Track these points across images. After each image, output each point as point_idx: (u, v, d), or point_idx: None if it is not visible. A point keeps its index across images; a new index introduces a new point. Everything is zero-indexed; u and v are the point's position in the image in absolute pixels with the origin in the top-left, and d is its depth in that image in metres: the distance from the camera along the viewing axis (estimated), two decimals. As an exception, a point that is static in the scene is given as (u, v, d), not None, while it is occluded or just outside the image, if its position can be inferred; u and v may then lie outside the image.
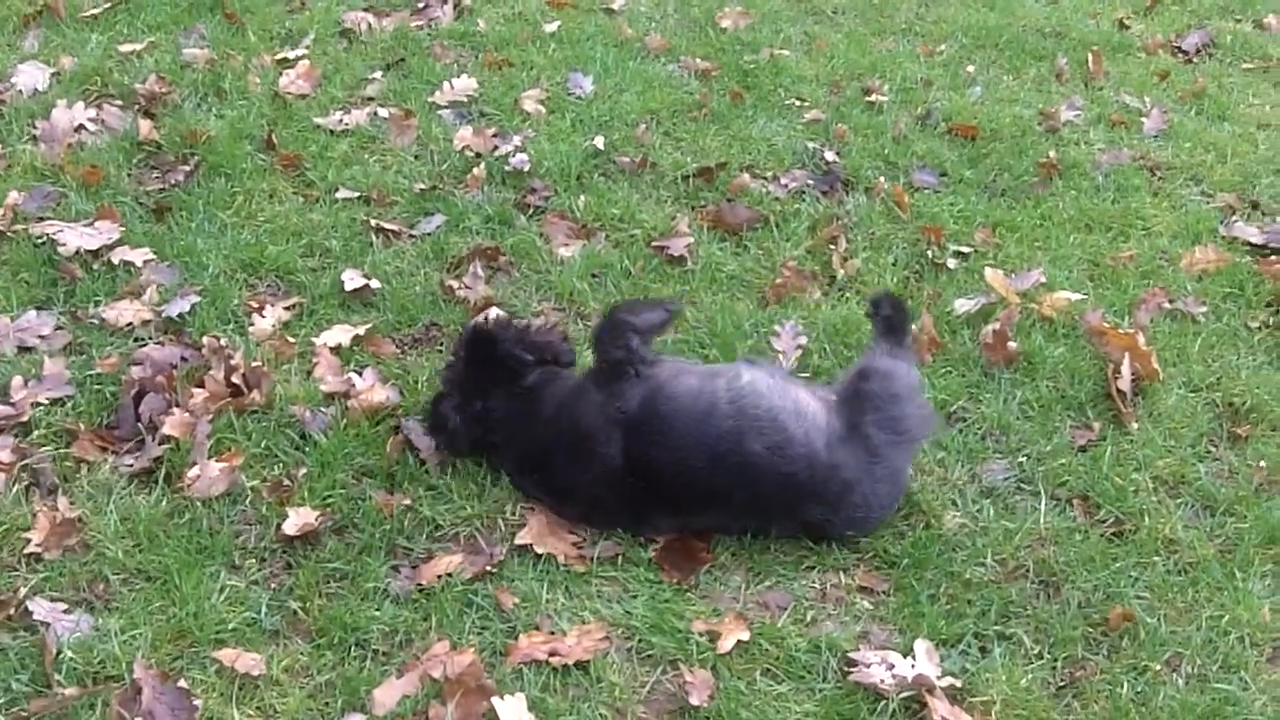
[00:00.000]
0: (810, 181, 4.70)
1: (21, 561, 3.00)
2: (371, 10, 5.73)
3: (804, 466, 3.06)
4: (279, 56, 5.29)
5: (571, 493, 3.20)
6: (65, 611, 2.85)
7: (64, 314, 3.76)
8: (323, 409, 3.47)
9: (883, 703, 2.77)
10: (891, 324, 3.39)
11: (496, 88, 5.19)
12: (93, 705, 2.66)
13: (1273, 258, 4.41)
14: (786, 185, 4.66)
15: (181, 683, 2.69)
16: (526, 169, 4.61)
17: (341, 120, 4.86)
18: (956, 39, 6.07)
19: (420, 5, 5.85)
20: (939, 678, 2.82)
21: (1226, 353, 3.93)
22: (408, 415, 3.45)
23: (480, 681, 2.72)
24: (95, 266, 3.93)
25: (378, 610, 2.93)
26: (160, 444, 3.28)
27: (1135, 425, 3.60)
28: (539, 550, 3.09)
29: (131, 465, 3.26)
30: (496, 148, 4.75)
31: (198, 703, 2.66)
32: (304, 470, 3.27)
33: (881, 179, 4.71)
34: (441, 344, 3.77)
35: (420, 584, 3.00)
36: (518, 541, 3.11)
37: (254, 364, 3.54)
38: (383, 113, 4.93)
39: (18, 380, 3.44)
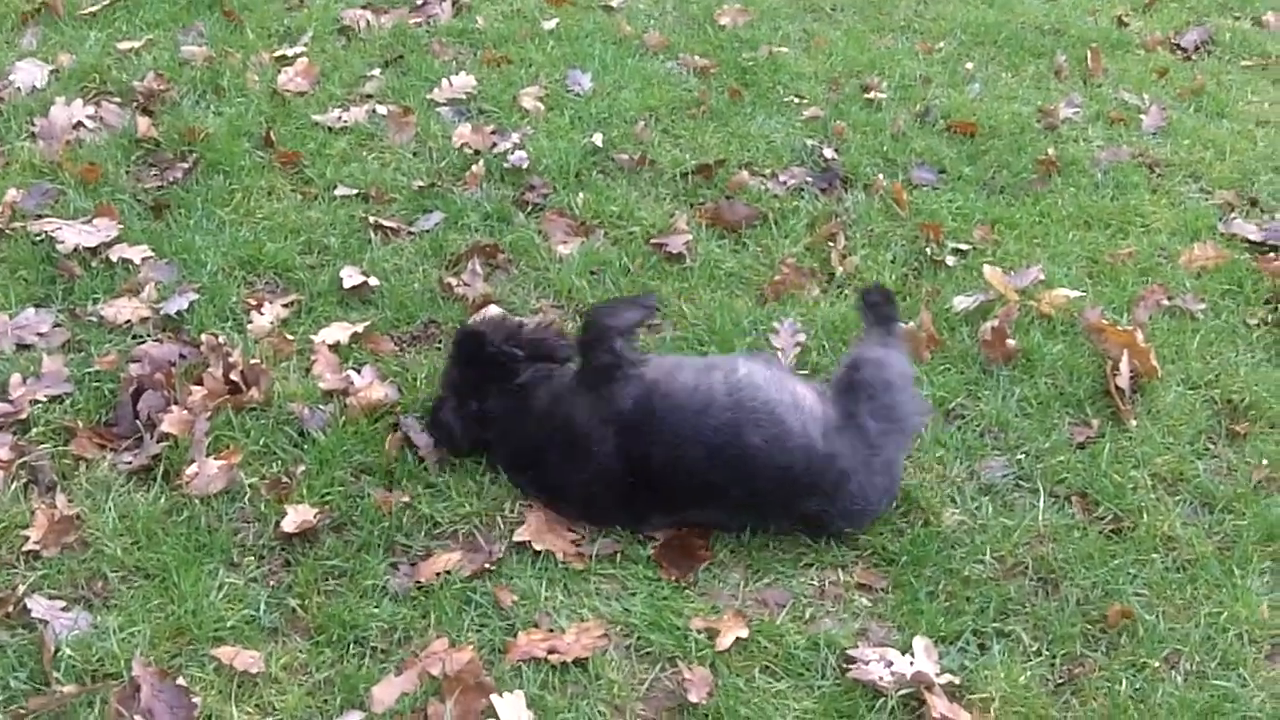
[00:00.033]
0: (809, 179, 4.70)
1: (20, 559, 3.00)
2: (370, 7, 5.73)
3: (801, 458, 3.07)
4: (277, 54, 5.28)
5: (566, 491, 3.20)
6: (64, 609, 2.85)
7: (62, 311, 3.76)
8: (321, 406, 3.47)
9: (881, 700, 2.77)
10: (881, 314, 3.43)
11: (495, 85, 5.19)
12: (91, 703, 2.66)
13: (1271, 255, 4.42)
14: (785, 182, 4.66)
15: (180, 680, 2.69)
16: (525, 166, 4.61)
17: (340, 117, 4.85)
18: (955, 36, 6.07)
19: (419, 2, 5.84)
20: (938, 675, 2.82)
21: (1225, 350, 3.93)
22: (406, 412, 3.45)
23: (479, 679, 2.72)
24: (94, 264, 3.93)
25: (376, 608, 2.93)
26: (159, 441, 3.28)
27: (1134, 422, 3.60)
28: (537, 548, 3.09)
29: (130, 463, 3.26)
30: (495, 145, 4.74)
31: (196, 700, 2.65)
32: (302, 468, 3.27)
33: (880, 176, 4.71)
34: (440, 341, 3.77)
35: (419, 581, 3.00)
36: (516, 539, 3.11)
37: (252, 361, 3.54)
38: (381, 110, 4.92)
39: (16, 378, 3.44)
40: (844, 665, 2.86)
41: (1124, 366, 3.70)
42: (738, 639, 2.89)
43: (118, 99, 4.85)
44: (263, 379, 3.48)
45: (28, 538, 3.02)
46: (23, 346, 3.62)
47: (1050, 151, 4.97)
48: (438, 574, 3.01)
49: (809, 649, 2.90)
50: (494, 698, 2.67)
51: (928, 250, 4.30)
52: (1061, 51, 5.94)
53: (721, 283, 4.10)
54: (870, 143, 4.99)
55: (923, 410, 3.34)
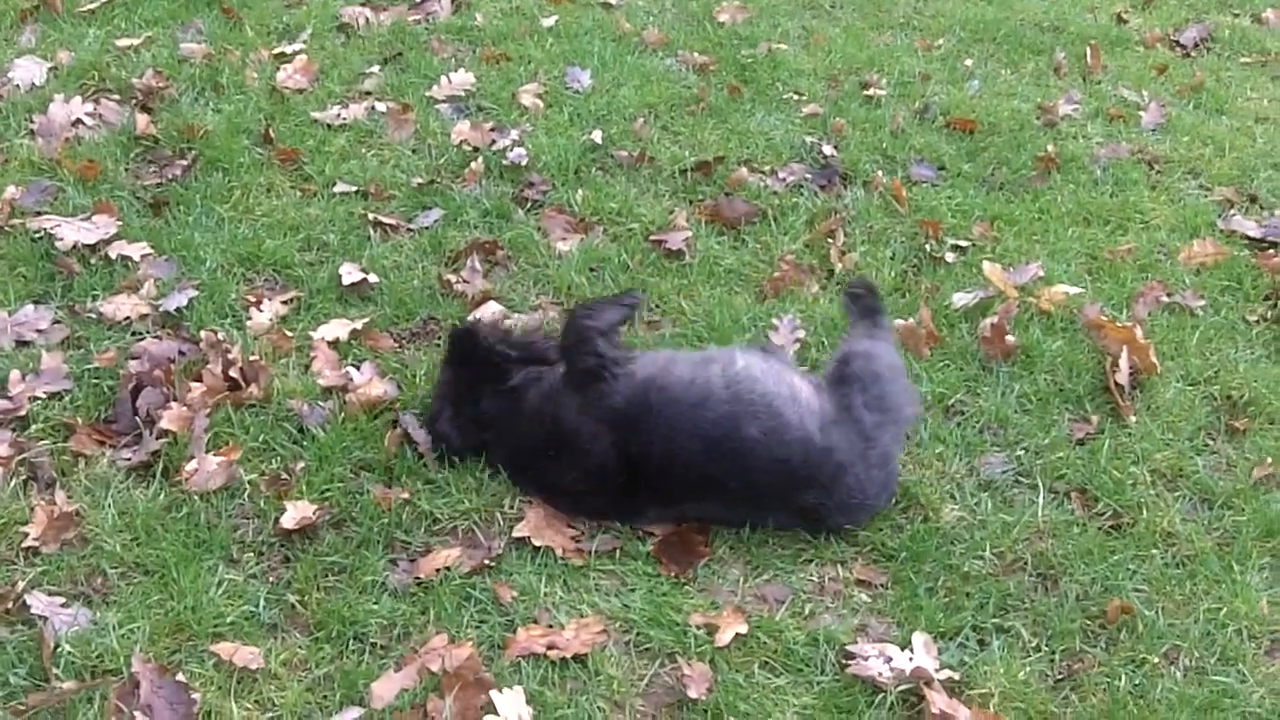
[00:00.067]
0: (808, 175, 4.70)
1: (19, 555, 3.00)
2: (369, 5, 5.73)
3: (799, 451, 3.07)
4: (276, 51, 5.28)
5: (564, 489, 3.20)
6: (63, 605, 2.85)
7: (61, 308, 3.76)
8: (321, 403, 3.47)
9: (881, 695, 2.78)
10: (866, 306, 3.48)
11: (494, 82, 5.19)
12: (91, 699, 2.66)
13: (1270, 251, 4.42)
14: (784, 179, 4.66)
15: (180, 676, 2.69)
16: (524, 163, 4.61)
17: (339, 114, 4.85)
18: (954, 33, 6.07)
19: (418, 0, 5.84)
20: (937, 670, 2.82)
21: (1224, 346, 3.93)
22: (406, 409, 3.44)
23: (478, 675, 2.72)
24: (93, 261, 3.93)
25: (376, 604, 2.93)
26: (158, 438, 3.27)
27: (1133, 418, 3.60)
28: (537, 543, 3.09)
29: (129, 459, 3.25)
30: (494, 142, 4.74)
31: (196, 696, 2.65)
32: (302, 464, 3.27)
33: (879, 173, 4.71)
34: (439, 338, 3.77)
35: (418, 577, 3.00)
36: (515, 535, 3.11)
37: (252, 358, 3.54)
38: (380, 107, 4.92)
39: (15, 374, 3.44)
40: (843, 661, 2.86)
41: (1123, 363, 3.70)
42: (737, 635, 2.89)
43: (117, 96, 4.85)
44: (262, 376, 3.48)
45: (27, 534, 3.02)
46: (22, 343, 3.62)
47: (1049, 148, 4.96)
48: (437, 570, 3.01)
49: (808, 645, 2.90)
50: (493, 694, 2.67)
51: (927, 247, 4.30)
52: (1061, 48, 5.94)
53: (721, 279, 4.10)
54: (869, 140, 4.99)
55: (914, 400, 3.36)
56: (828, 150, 4.85)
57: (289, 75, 5.07)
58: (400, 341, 3.77)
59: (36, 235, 4.00)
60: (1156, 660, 2.91)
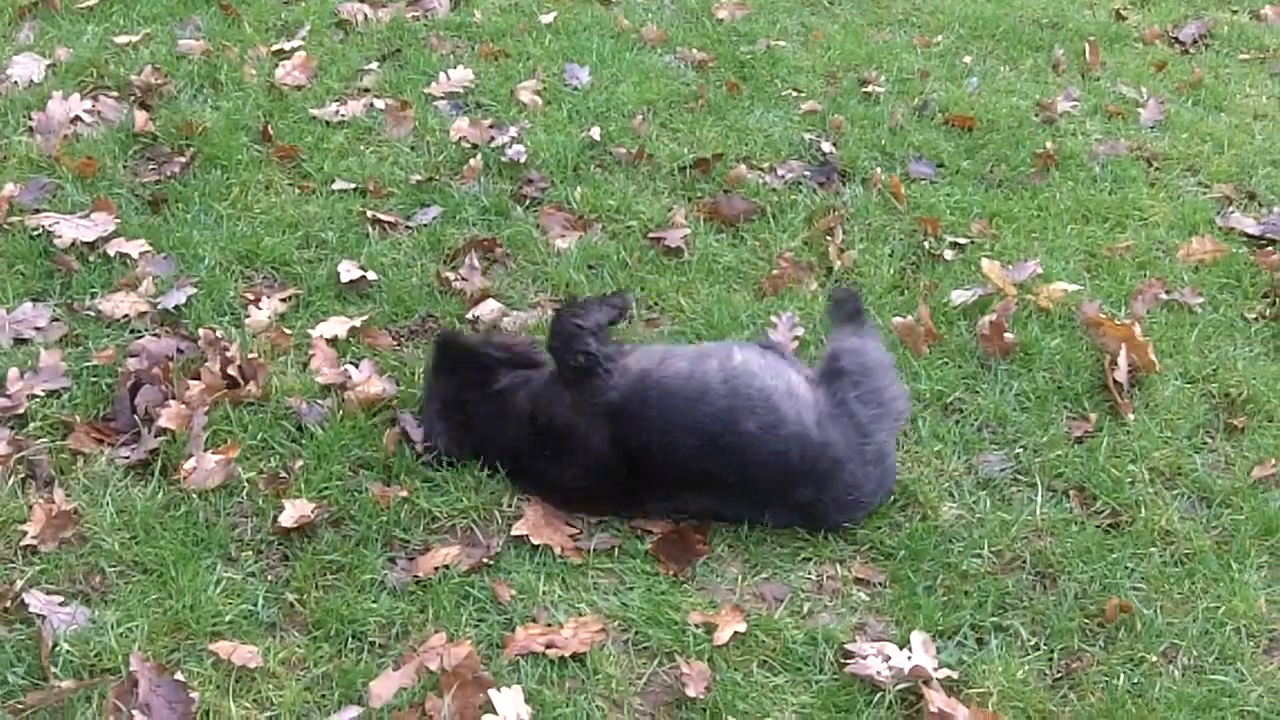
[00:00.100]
0: (807, 173, 4.69)
1: (18, 554, 2.99)
2: (367, 1, 5.72)
3: (796, 445, 3.08)
4: (275, 48, 5.28)
5: (561, 487, 3.21)
6: (61, 604, 2.85)
7: (60, 306, 3.75)
8: (319, 401, 3.47)
9: (879, 694, 2.78)
10: (849, 312, 3.51)
11: (493, 79, 5.18)
12: (89, 698, 2.66)
13: (1269, 248, 4.42)
14: (783, 176, 4.66)
15: (178, 675, 2.69)
16: (523, 160, 4.61)
17: (338, 111, 4.85)
18: (953, 30, 6.06)
19: (416, -4, 5.85)
20: (935, 669, 2.82)
21: (1223, 344, 3.93)
22: (404, 407, 3.44)
23: (477, 673, 2.72)
24: (91, 258, 3.92)
25: (374, 602, 2.93)
26: (156, 436, 3.27)
27: (1132, 416, 3.60)
28: (535, 542, 3.09)
29: (128, 457, 3.25)
30: (493, 139, 4.74)
31: (194, 695, 2.65)
32: (300, 462, 3.27)
33: (878, 170, 4.71)
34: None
35: (417, 576, 3.00)
36: (514, 533, 3.11)
37: (250, 356, 3.54)
38: (379, 104, 4.92)
39: (14, 372, 3.44)
40: (842, 660, 2.86)
41: (1122, 361, 3.70)
42: (735, 633, 2.89)
43: (115, 93, 4.84)
44: (260, 373, 3.48)
45: (25, 532, 3.01)
46: (20, 341, 3.61)
47: (1048, 145, 4.96)
48: (436, 569, 3.01)
49: (807, 643, 2.90)
50: (492, 692, 2.67)
51: (926, 244, 4.30)
52: (1059, 45, 5.94)
53: (719, 277, 4.10)
54: (868, 136, 4.99)
55: (905, 395, 3.36)
56: (826, 147, 4.85)
57: (287, 72, 5.06)
58: (399, 339, 3.77)
59: (35, 232, 3.99)
60: (1155, 659, 2.91)
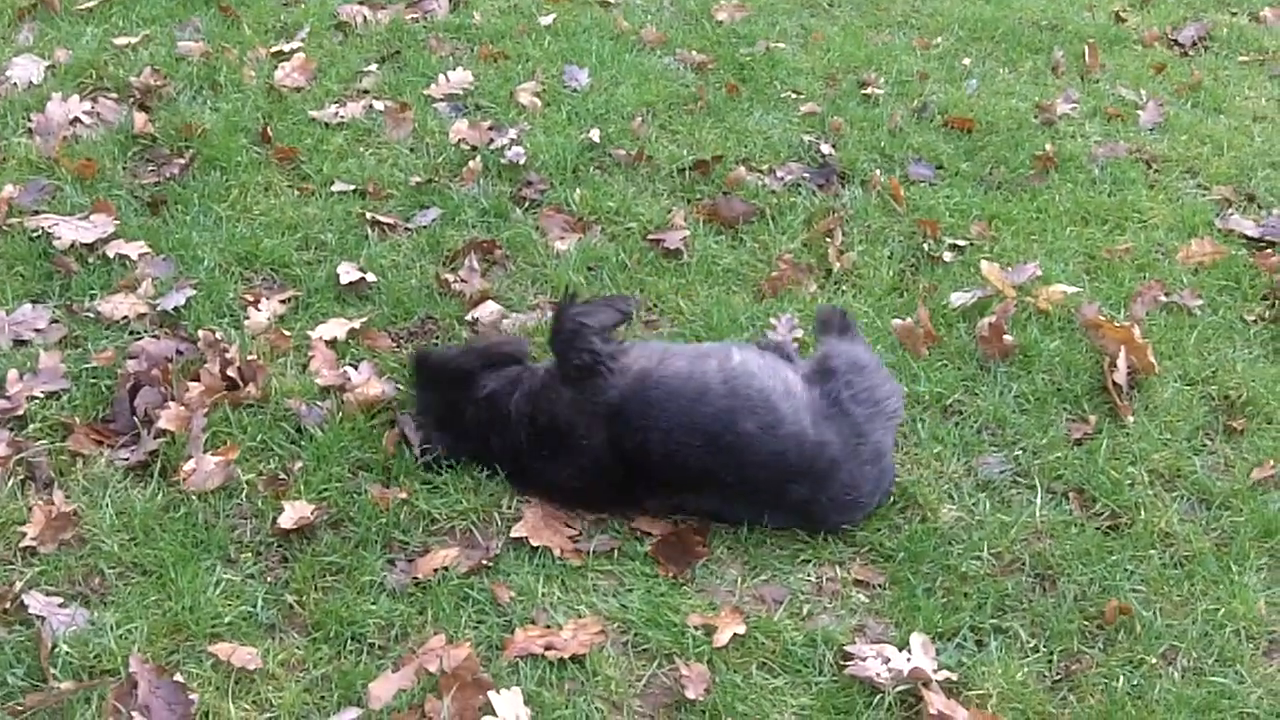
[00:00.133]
0: (806, 174, 4.69)
1: (17, 555, 2.99)
2: (367, 3, 5.72)
3: (793, 445, 3.08)
4: (274, 49, 5.28)
5: (560, 486, 3.21)
6: (61, 605, 2.85)
7: (59, 307, 3.75)
8: (318, 402, 3.46)
9: (879, 696, 2.78)
10: (838, 326, 3.51)
11: (492, 80, 5.18)
12: (89, 699, 2.66)
13: (1268, 251, 4.42)
14: (782, 178, 4.66)
15: (177, 677, 2.69)
16: (522, 162, 4.61)
17: (337, 113, 4.85)
18: (953, 32, 6.07)
19: (416, -2, 5.85)
20: (935, 671, 2.82)
21: (1222, 346, 3.93)
22: (404, 409, 3.44)
23: (476, 675, 2.72)
24: (90, 260, 3.92)
25: (374, 604, 2.93)
26: (156, 438, 3.27)
27: (1131, 418, 3.60)
28: (535, 544, 3.09)
29: (127, 459, 3.25)
30: (492, 140, 4.74)
31: (193, 697, 2.65)
32: (300, 464, 3.27)
33: (877, 172, 4.71)
34: (437, 337, 3.77)
35: (416, 578, 3.00)
36: (513, 535, 3.11)
37: (249, 357, 3.54)
38: (378, 106, 4.92)
39: (13, 374, 3.43)
40: (841, 662, 2.86)
41: (1121, 363, 3.70)
42: (735, 635, 2.89)
43: (114, 95, 4.84)
44: (260, 375, 3.48)
45: (25, 534, 3.01)
46: (19, 342, 3.61)
47: (1048, 147, 4.96)
48: (435, 570, 3.01)
49: (806, 645, 2.90)
50: (491, 694, 2.67)
51: (925, 246, 4.30)
52: (1059, 47, 5.94)
53: (719, 279, 4.10)
54: (867, 138, 4.99)
55: (898, 393, 3.35)
56: (826, 149, 4.85)
57: (287, 74, 5.06)
58: (398, 341, 3.76)
59: (34, 234, 3.99)
60: (1154, 661, 2.91)
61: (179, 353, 3.57)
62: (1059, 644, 2.95)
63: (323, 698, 2.73)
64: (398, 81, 5.14)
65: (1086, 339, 3.87)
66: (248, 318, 3.75)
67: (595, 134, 4.79)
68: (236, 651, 2.77)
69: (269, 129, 4.65)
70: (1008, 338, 3.79)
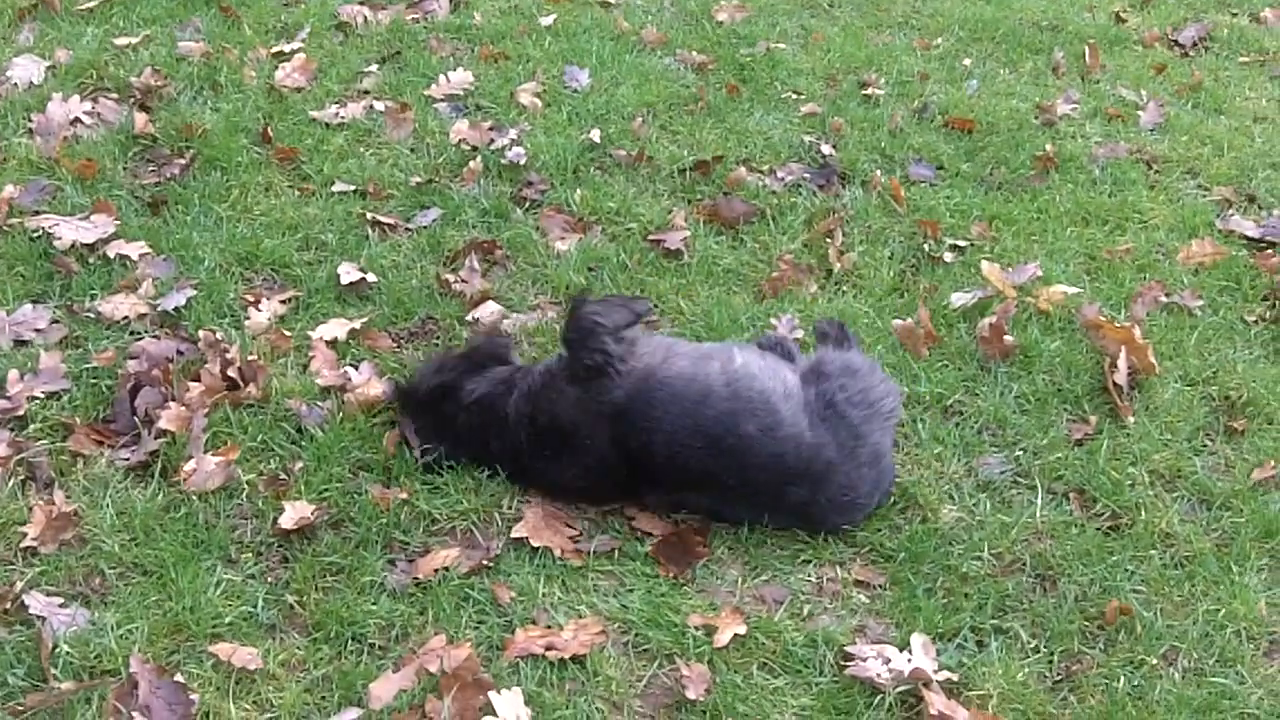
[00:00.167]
0: (806, 175, 4.69)
1: (18, 555, 2.99)
2: (367, 3, 5.72)
3: (791, 447, 3.08)
4: (274, 50, 5.28)
5: (562, 486, 3.22)
6: (61, 605, 2.85)
7: (60, 308, 3.75)
8: (319, 403, 3.47)
9: (879, 696, 2.78)
10: (835, 338, 3.51)
11: (492, 81, 5.18)
12: (89, 699, 2.66)
13: (1269, 251, 4.42)
14: (783, 179, 4.66)
15: (178, 677, 2.69)
16: (523, 162, 4.61)
17: (337, 113, 4.85)
18: (953, 32, 6.07)
19: (416, -2, 5.85)
20: (935, 671, 2.82)
21: (1223, 346, 3.93)
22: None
23: (477, 675, 2.72)
24: (91, 260, 3.92)
25: (374, 604, 2.93)
26: (156, 438, 3.27)
27: (1131, 419, 3.60)
28: (535, 544, 3.09)
29: (127, 459, 3.25)
30: (493, 141, 4.74)
31: (194, 697, 2.65)
32: (300, 464, 3.27)
33: (878, 172, 4.71)
34: (438, 338, 3.77)
35: (417, 578, 3.00)
36: (514, 535, 3.11)
37: (250, 358, 3.54)
38: (379, 106, 4.92)
39: (13, 374, 3.44)
40: (842, 662, 2.86)
41: (1122, 363, 3.70)
42: (735, 636, 2.89)
43: (115, 95, 4.84)
44: (260, 375, 3.48)
45: (25, 534, 3.01)
46: (20, 343, 3.61)
47: (1048, 148, 4.96)
48: (436, 570, 3.01)
49: (807, 646, 2.90)
50: (492, 694, 2.67)
51: (925, 247, 4.30)
52: (1059, 48, 5.94)
53: (719, 279, 4.10)
54: (868, 139, 4.99)
55: (892, 392, 3.33)
56: (826, 150, 4.85)
57: (287, 74, 5.07)
58: (399, 341, 3.77)
59: (35, 234, 3.99)
60: (1155, 661, 2.91)
61: (179, 353, 3.57)
62: (1060, 644, 2.95)
63: (323, 698, 2.73)
64: (398, 82, 5.14)
65: (1087, 339, 3.87)
66: (248, 318, 3.75)
67: (596, 134, 4.80)
68: (237, 652, 2.77)
69: (269, 129, 4.65)
70: (1008, 338, 3.79)
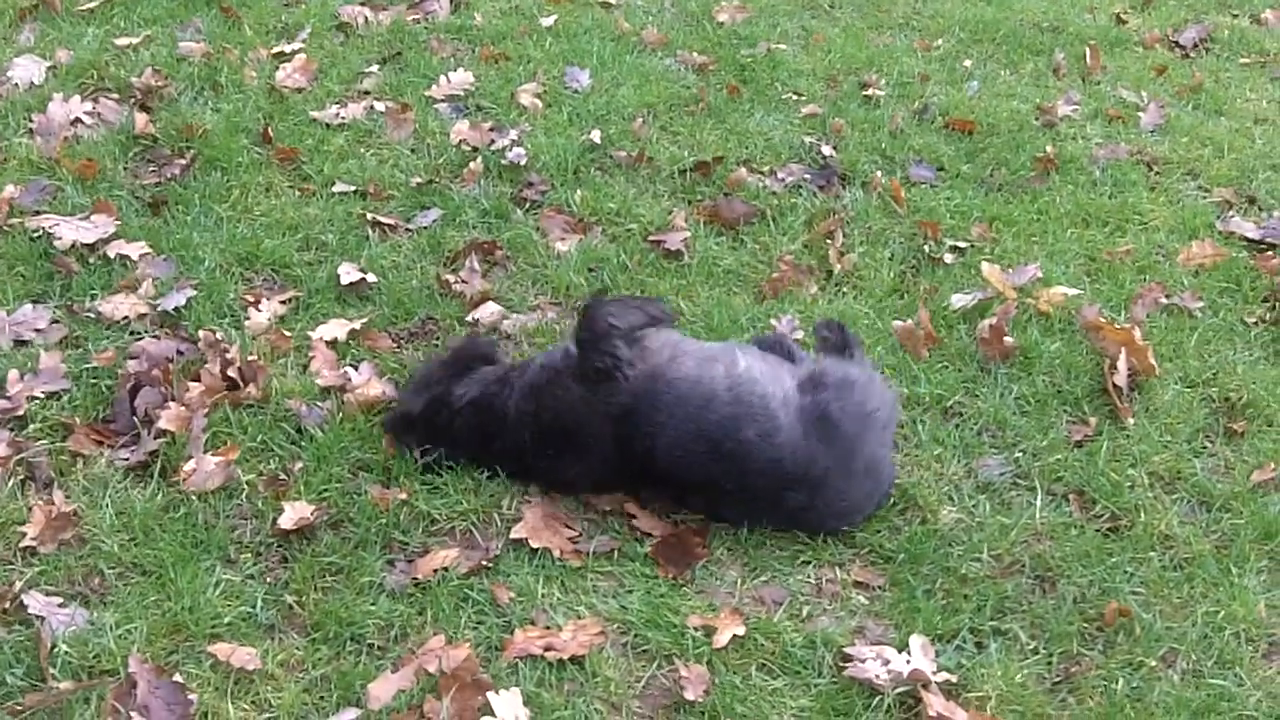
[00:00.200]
0: (807, 176, 4.69)
1: (17, 555, 2.99)
2: (368, 4, 5.72)
3: (788, 453, 3.08)
4: (275, 50, 5.28)
5: (564, 483, 3.23)
6: (60, 605, 2.85)
7: (60, 307, 3.75)
8: (319, 403, 3.47)
9: (878, 698, 2.77)
10: (836, 345, 3.45)
11: (493, 81, 5.18)
12: (88, 699, 2.66)
13: (1269, 253, 4.42)
14: (783, 180, 4.66)
15: (176, 677, 2.69)
16: (523, 163, 4.61)
17: (338, 114, 4.85)
18: (954, 33, 6.07)
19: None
20: (934, 673, 2.82)
21: (1223, 348, 3.93)
22: (404, 410, 3.44)
23: (476, 676, 2.72)
24: (91, 260, 3.93)
25: (373, 605, 2.93)
26: (156, 438, 3.27)
27: (1131, 420, 3.60)
28: (535, 545, 3.09)
29: (127, 459, 3.25)
30: (493, 141, 4.74)
31: (193, 697, 2.65)
32: (300, 464, 3.27)
33: (878, 173, 4.71)
34: (438, 338, 3.77)
35: (416, 578, 3.00)
36: (513, 536, 3.11)
37: (250, 358, 3.54)
38: (379, 106, 4.92)
39: (13, 374, 3.44)
40: (841, 663, 2.86)
41: (1122, 365, 3.70)
42: (734, 637, 2.89)
43: (115, 95, 4.85)
44: (260, 375, 3.48)
45: (25, 534, 3.01)
46: (20, 343, 3.61)
47: (1048, 149, 4.96)
48: (435, 571, 3.01)
49: (806, 647, 2.90)
50: (491, 695, 2.67)
51: (926, 248, 4.30)
52: (1060, 49, 5.94)
53: (719, 280, 4.10)
54: (868, 140, 4.99)
55: (888, 403, 3.30)
56: (826, 151, 4.85)
57: (288, 74, 5.07)
58: (399, 342, 3.77)
59: (35, 234, 3.99)
60: (1154, 663, 2.91)
61: (179, 353, 3.57)
62: (1058, 646, 2.95)
63: (322, 698, 2.73)
64: (399, 82, 5.14)
65: (1087, 341, 3.87)
66: (248, 318, 3.75)
67: (596, 135, 4.80)
68: (236, 652, 2.77)
69: (270, 130, 4.65)
70: (1008, 339, 3.79)
